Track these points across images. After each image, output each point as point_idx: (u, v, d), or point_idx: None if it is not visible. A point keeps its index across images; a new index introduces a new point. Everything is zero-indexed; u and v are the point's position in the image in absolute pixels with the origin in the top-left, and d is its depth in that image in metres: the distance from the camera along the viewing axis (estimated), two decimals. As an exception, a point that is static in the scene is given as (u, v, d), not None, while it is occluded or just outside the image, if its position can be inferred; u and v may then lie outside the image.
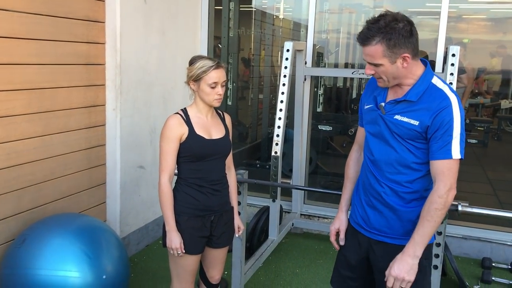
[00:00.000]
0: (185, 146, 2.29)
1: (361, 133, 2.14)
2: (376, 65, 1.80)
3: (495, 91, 8.10)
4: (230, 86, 6.38)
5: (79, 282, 2.56)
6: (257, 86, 7.00)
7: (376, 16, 1.80)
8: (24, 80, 2.86)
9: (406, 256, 1.80)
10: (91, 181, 3.51)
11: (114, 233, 2.99)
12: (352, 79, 6.49)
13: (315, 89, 6.32)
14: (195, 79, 2.27)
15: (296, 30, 6.16)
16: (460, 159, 1.79)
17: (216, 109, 2.45)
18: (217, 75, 2.25)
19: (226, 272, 3.50)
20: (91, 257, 2.62)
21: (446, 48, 3.59)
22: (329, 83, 6.90)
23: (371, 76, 1.97)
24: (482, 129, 7.28)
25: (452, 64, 3.33)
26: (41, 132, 3.01)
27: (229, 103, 6.41)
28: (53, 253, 2.58)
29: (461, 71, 5.69)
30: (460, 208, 2.57)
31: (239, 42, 6.36)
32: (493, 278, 3.62)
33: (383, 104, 1.91)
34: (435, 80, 1.88)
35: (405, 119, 1.84)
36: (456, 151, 1.78)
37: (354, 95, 6.71)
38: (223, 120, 2.47)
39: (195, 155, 2.30)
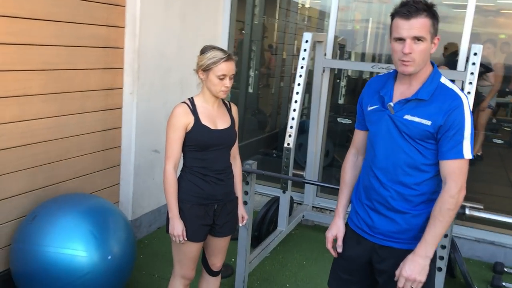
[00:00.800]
0: (190, 135, 2.31)
1: (358, 136, 2.10)
2: (420, 39, 1.75)
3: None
4: (252, 73, 6.37)
5: (85, 261, 2.63)
6: (279, 75, 6.97)
7: None
8: (42, 61, 2.92)
9: (417, 257, 1.80)
10: (106, 163, 3.57)
11: (123, 215, 3.04)
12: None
13: (338, 80, 6.26)
14: (204, 68, 2.27)
15: (321, 19, 6.07)
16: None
17: (223, 99, 2.46)
18: (226, 68, 2.25)
19: (233, 259, 3.54)
20: (98, 238, 2.69)
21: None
22: (354, 74, 6.80)
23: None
24: (509, 129, 7.08)
25: (474, 63, 3.24)
26: (56, 113, 3.08)
27: (250, 90, 6.40)
28: (61, 231, 2.65)
29: (488, 69, 5.53)
30: (467, 211, 2.52)
31: (263, 30, 6.33)
32: (503, 283, 3.55)
33: (391, 103, 1.86)
34: (444, 80, 1.86)
35: (416, 119, 1.81)
36: (467, 151, 1.77)
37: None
38: (229, 110, 2.47)
39: (199, 144, 2.31)
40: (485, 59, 5.47)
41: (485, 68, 5.50)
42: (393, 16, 1.80)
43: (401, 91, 1.88)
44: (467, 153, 1.77)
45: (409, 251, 1.84)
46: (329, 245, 2.12)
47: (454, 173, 1.77)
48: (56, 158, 3.13)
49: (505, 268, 3.78)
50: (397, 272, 1.83)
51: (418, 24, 1.73)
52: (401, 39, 1.76)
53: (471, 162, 1.83)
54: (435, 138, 1.80)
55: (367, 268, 2.02)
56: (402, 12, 1.75)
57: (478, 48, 3.26)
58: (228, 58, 2.26)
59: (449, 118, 1.76)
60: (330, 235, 2.11)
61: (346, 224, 2.11)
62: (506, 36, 6.92)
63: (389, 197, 1.90)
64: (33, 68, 2.87)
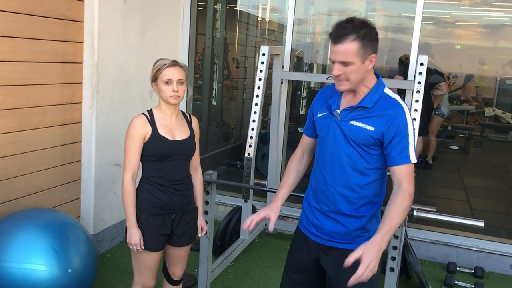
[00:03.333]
0: (148, 146, 2.37)
1: (306, 140, 2.22)
2: (347, 64, 1.83)
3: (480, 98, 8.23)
4: (215, 86, 6.47)
5: (45, 274, 2.63)
6: (242, 87, 7.08)
7: (346, 18, 1.87)
8: (-2, 77, 2.93)
9: (377, 244, 1.75)
10: (66, 177, 3.57)
11: (83, 228, 3.06)
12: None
13: (298, 92, 6.43)
14: (153, 79, 2.37)
15: (281, 32, 6.23)
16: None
17: (183, 111, 2.54)
18: (171, 72, 2.33)
19: (196, 270, 3.58)
20: (58, 251, 2.69)
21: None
22: (315, 85, 6.98)
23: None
24: (464, 136, 7.41)
25: (420, 73, 3.42)
26: (14, 128, 3.07)
27: (214, 103, 6.49)
28: (19, 246, 2.65)
29: (440, 79, 5.79)
30: (415, 213, 2.65)
31: (225, 42, 6.44)
32: (455, 282, 3.72)
33: (338, 111, 1.99)
34: (387, 90, 2.00)
35: (361, 125, 1.93)
36: (413, 157, 1.91)
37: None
38: (189, 122, 2.54)
39: (157, 154, 2.37)
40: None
41: (437, 79, 5.76)
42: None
43: (348, 100, 2.00)
44: (413, 158, 1.91)
45: (349, 251, 1.82)
46: (255, 220, 1.98)
47: (407, 176, 1.90)
48: (15, 173, 3.12)
49: (457, 268, 3.96)
50: (353, 257, 1.72)
51: (344, 50, 1.81)
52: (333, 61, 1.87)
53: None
54: (378, 144, 1.93)
55: (317, 268, 2.11)
56: (332, 35, 1.84)
57: (424, 58, 3.44)
58: (172, 64, 2.34)
59: (392, 125, 1.89)
60: (264, 214, 2.04)
61: (297, 228, 2.20)
62: (461, 46, 7.27)
63: (334, 199, 2.02)
64: (-11, 84, 2.88)
